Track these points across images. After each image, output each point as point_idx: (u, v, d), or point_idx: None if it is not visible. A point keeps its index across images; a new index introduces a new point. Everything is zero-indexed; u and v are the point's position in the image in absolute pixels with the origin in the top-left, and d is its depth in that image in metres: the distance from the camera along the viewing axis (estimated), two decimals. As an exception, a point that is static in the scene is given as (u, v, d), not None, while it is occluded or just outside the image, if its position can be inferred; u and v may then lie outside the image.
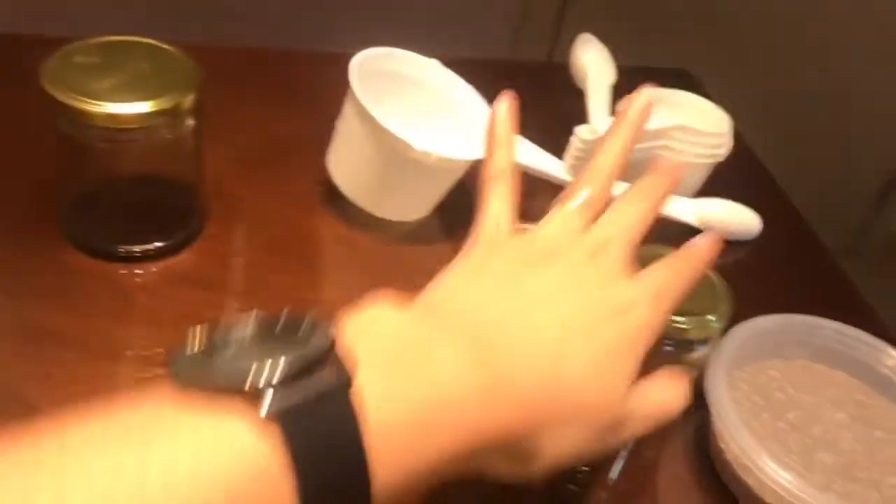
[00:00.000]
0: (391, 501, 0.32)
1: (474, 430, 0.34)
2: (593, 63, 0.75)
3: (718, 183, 0.76)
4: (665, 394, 0.43)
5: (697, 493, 0.54)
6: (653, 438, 0.56)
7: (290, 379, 0.29)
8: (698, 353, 0.54)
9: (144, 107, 0.53)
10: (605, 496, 0.52)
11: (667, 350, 0.53)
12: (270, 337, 0.32)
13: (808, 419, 0.56)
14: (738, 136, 0.76)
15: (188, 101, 0.55)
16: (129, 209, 0.62)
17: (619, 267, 0.43)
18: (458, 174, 0.66)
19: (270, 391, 0.29)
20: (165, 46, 0.59)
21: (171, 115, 0.55)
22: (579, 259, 0.42)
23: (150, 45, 0.58)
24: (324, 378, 0.30)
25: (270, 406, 0.28)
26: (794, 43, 1.74)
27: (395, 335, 0.35)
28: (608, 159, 0.47)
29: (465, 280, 0.41)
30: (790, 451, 0.53)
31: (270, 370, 0.29)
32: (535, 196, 0.75)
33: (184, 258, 0.62)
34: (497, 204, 0.45)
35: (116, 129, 0.54)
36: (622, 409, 0.40)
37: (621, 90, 0.77)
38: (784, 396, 0.57)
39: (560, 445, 0.38)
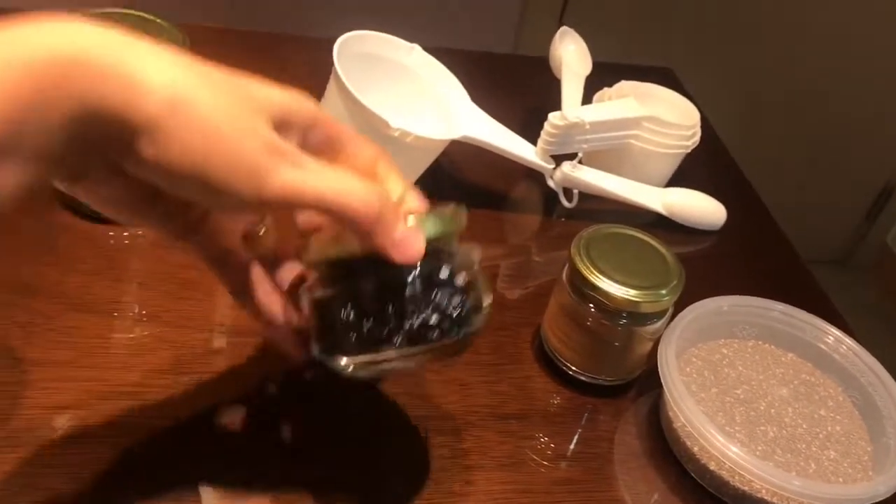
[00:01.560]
0: None
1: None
2: (570, 54, 0.78)
3: (689, 174, 0.79)
4: (352, 186, 0.37)
5: (649, 461, 0.57)
6: (608, 411, 0.59)
7: None
8: (652, 327, 0.57)
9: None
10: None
11: (622, 322, 0.56)
12: None
13: (754, 394, 0.58)
14: (711, 132, 0.79)
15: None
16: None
17: None
18: (435, 154, 0.69)
19: None
20: (157, 20, 0.61)
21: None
22: None
23: (141, 17, 0.61)
24: None
25: None
26: (789, 48, 1.77)
27: None
28: None
29: None
30: (735, 423, 0.56)
31: None
32: (512, 179, 0.78)
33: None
34: None
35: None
36: (255, 135, 0.34)
37: (603, 84, 0.80)
38: (734, 373, 0.60)
39: (165, 147, 0.32)
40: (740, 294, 0.63)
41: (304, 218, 0.44)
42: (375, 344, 0.40)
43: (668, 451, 0.57)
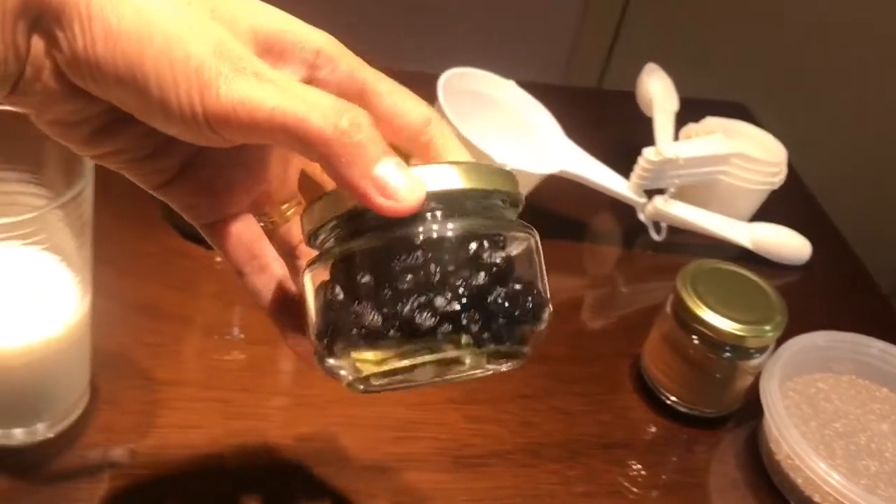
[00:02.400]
0: None
1: None
2: (658, 91, 0.80)
3: (771, 210, 0.81)
4: (315, 98, 0.28)
5: (748, 493, 0.58)
6: (706, 441, 0.60)
7: None
8: (754, 361, 0.58)
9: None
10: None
11: (726, 356, 0.57)
12: None
13: (854, 428, 0.59)
14: (790, 168, 0.81)
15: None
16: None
17: None
18: (530, 187, 0.71)
19: None
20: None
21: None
22: None
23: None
24: None
25: None
26: (852, 79, 1.77)
27: None
28: None
29: None
30: (836, 456, 0.57)
31: None
32: (599, 212, 0.80)
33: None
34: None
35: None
36: (203, 30, 0.28)
37: (680, 118, 0.82)
38: (831, 407, 0.61)
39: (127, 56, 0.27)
40: (827, 328, 0.64)
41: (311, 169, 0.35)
42: (372, 339, 0.29)
43: (768, 482, 0.58)
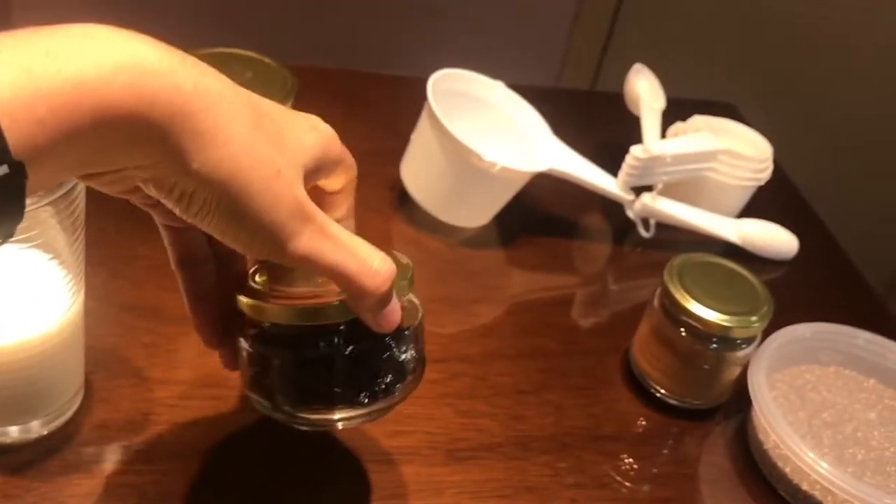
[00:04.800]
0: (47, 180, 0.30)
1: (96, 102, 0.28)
2: (646, 90, 0.81)
3: (759, 206, 0.82)
4: (367, 263, 0.37)
5: (738, 483, 0.58)
6: (696, 433, 0.61)
7: None
8: (741, 352, 0.59)
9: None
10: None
11: (713, 347, 0.58)
12: None
13: (840, 418, 0.60)
14: (776, 165, 0.82)
15: (287, 105, 0.62)
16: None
17: None
18: (519, 185, 0.72)
19: None
20: (265, 59, 0.65)
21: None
22: None
23: (251, 57, 0.65)
24: None
25: None
26: (839, 80, 1.79)
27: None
28: None
29: None
30: (824, 445, 0.58)
31: None
32: (588, 210, 0.81)
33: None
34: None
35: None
36: (285, 198, 0.34)
37: (668, 119, 0.83)
38: (818, 397, 0.62)
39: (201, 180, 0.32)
40: (816, 321, 0.65)
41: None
42: (313, 401, 0.41)
43: (757, 473, 0.59)
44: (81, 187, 0.43)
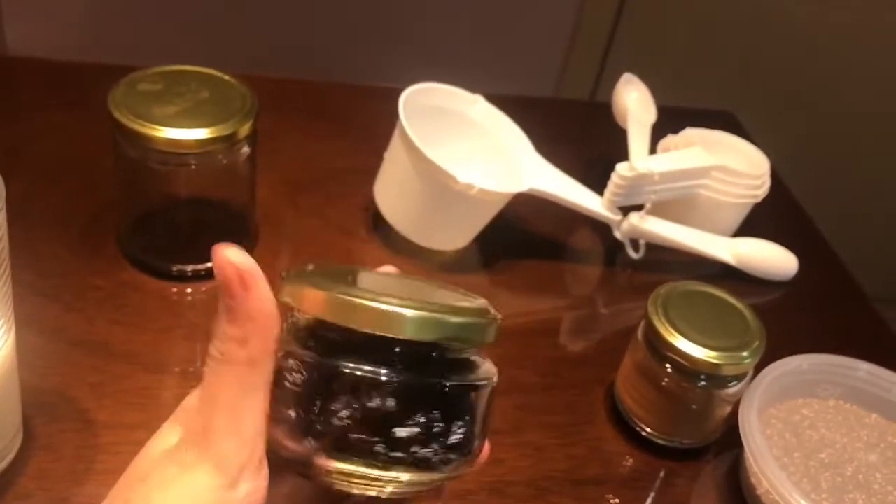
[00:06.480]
0: None
1: None
2: (634, 102, 0.77)
3: (757, 223, 0.77)
4: None
5: (728, 528, 0.54)
6: (685, 474, 0.57)
7: None
8: (732, 390, 0.55)
9: (203, 133, 0.56)
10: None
11: (701, 385, 0.54)
12: None
13: (840, 459, 0.56)
14: (777, 179, 0.77)
15: (245, 129, 0.58)
16: (184, 230, 0.64)
17: None
18: (499, 207, 0.68)
19: None
20: (224, 76, 0.61)
21: (227, 142, 0.57)
22: None
23: (210, 74, 0.61)
24: None
25: None
26: (844, 88, 1.74)
27: None
28: None
29: None
30: (821, 489, 0.54)
31: None
32: (575, 230, 0.77)
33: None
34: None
35: (175, 153, 0.57)
36: None
37: (663, 130, 0.79)
38: (816, 435, 0.58)
39: None
40: (816, 348, 0.60)
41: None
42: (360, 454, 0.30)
43: (749, 518, 0.55)
44: (2, 216, 0.39)
